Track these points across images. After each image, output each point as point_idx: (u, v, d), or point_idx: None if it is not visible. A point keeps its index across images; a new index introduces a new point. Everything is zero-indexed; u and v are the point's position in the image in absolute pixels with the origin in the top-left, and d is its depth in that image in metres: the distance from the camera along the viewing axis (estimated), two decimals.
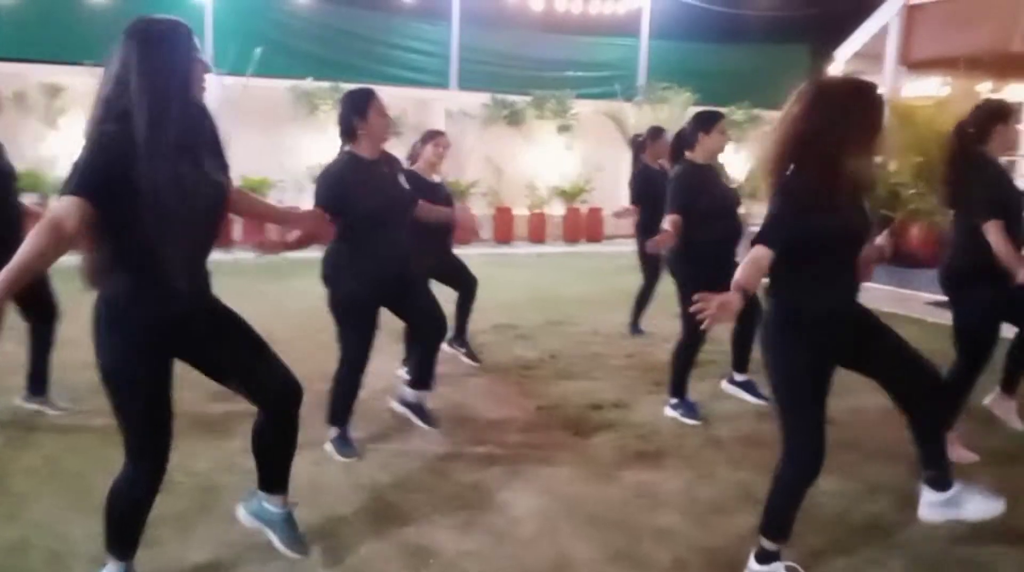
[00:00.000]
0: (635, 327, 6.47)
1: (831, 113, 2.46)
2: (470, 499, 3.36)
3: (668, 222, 4.34)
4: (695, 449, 4.02)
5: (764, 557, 2.69)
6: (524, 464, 3.75)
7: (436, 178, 5.14)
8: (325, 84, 11.78)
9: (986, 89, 12.17)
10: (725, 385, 4.88)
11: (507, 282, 9.04)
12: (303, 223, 3.04)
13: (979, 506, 2.81)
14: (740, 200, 4.62)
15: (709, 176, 4.45)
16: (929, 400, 2.76)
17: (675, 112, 12.36)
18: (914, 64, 9.83)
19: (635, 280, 6.53)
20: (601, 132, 13.22)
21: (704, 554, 2.94)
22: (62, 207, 2.03)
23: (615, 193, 14.12)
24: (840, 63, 10.43)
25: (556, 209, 13.48)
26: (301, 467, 3.58)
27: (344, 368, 3.74)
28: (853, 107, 2.47)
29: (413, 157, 5.17)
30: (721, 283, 4.34)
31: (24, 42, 10.81)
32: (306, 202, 11.64)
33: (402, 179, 3.89)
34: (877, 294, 8.59)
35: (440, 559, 2.87)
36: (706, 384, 4.88)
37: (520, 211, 13.21)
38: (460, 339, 5.46)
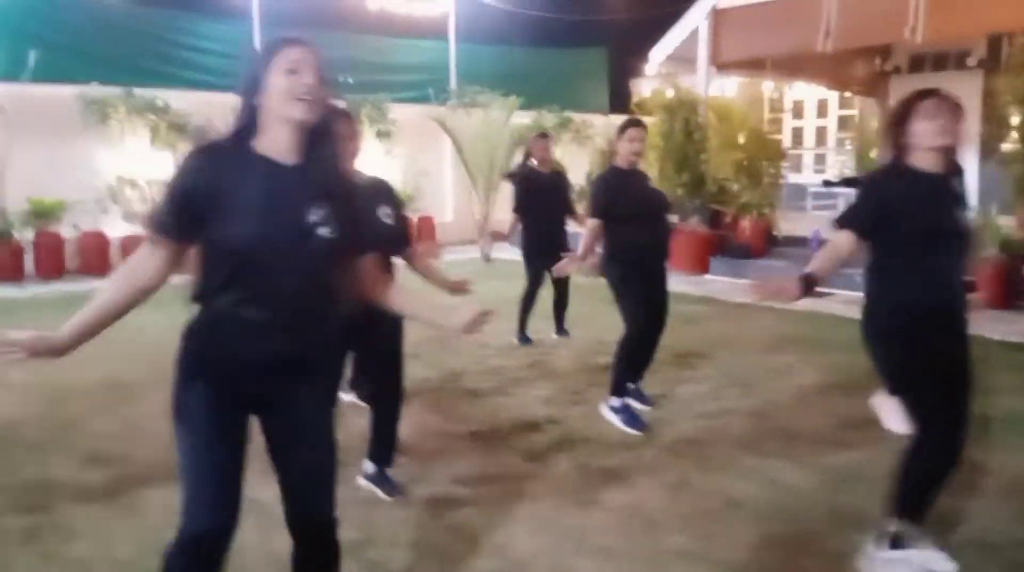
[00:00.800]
0: (523, 336, 6.30)
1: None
2: (462, 547, 3.01)
3: (587, 226, 4.43)
4: (655, 459, 3.90)
5: (896, 542, 2.67)
6: (497, 499, 3.43)
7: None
8: (116, 90, 10.52)
9: (769, 88, 13.33)
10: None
11: None
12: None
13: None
14: (667, 203, 4.67)
15: (630, 180, 4.46)
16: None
17: (499, 117, 12.34)
18: (723, 65, 10.44)
19: (489, 286, 6.37)
20: (420, 137, 12.92)
21: (727, 568, 2.82)
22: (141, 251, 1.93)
23: (441, 199, 13.94)
24: (654, 65, 10.87)
25: None
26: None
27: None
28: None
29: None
30: (650, 282, 4.33)
31: None
32: (110, 225, 10.45)
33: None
34: (718, 286, 9.05)
35: None
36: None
37: None
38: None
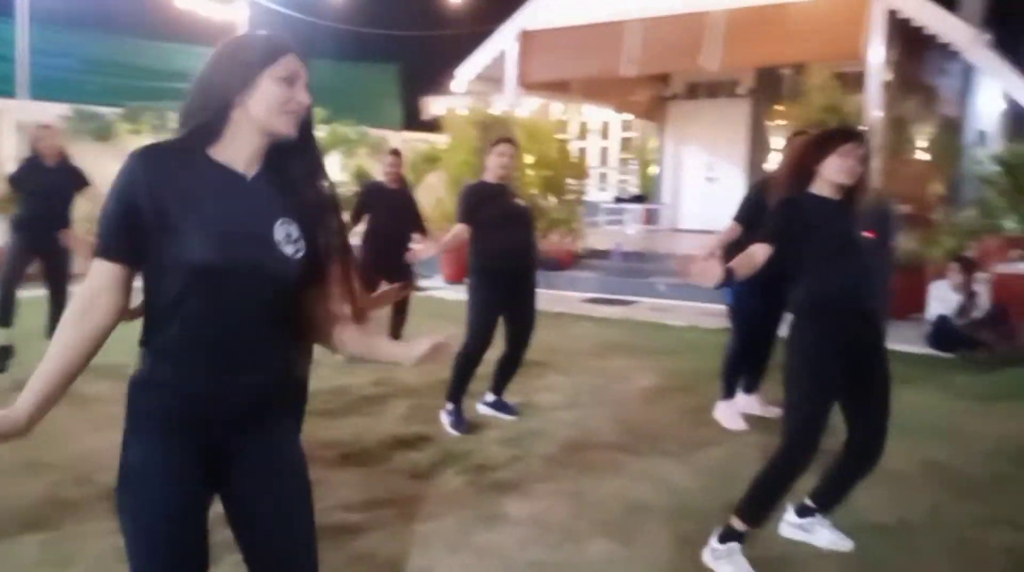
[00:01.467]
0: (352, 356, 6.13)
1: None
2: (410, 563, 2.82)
3: (452, 230, 4.58)
4: (542, 469, 3.90)
5: (729, 536, 2.81)
6: (398, 522, 3.26)
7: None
8: None
9: (559, 110, 13.96)
10: (480, 407, 4.82)
11: None
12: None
13: (830, 537, 3.03)
14: (531, 219, 4.73)
15: (496, 193, 4.55)
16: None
17: None
18: (530, 86, 10.79)
19: None
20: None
21: (660, 570, 2.88)
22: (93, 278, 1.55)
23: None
24: (462, 82, 11.00)
25: None
26: None
27: None
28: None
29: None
30: (512, 297, 4.39)
31: None
32: None
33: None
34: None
35: None
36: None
37: None
38: None
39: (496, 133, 9.76)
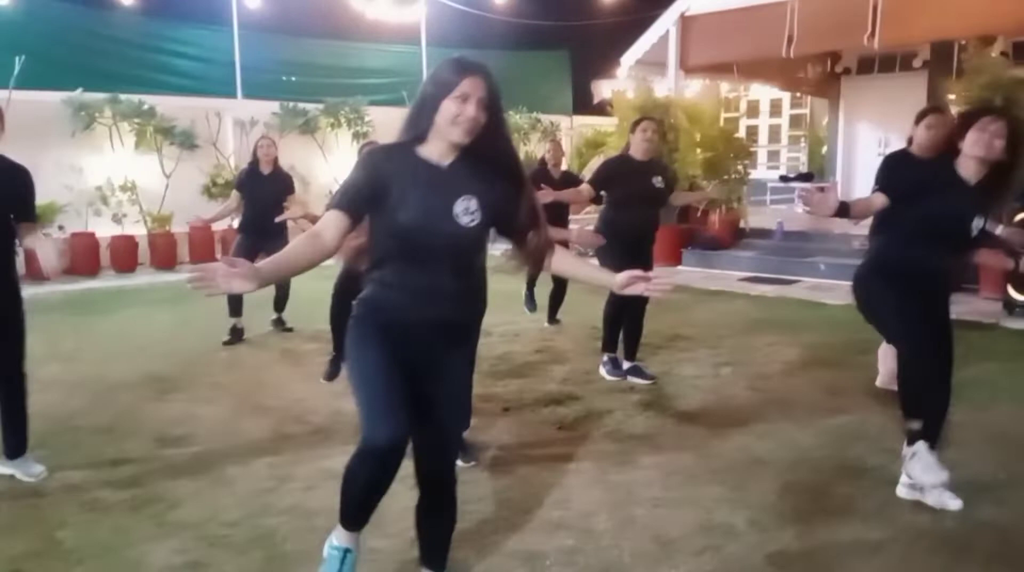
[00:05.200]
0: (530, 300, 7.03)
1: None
2: (530, 501, 3.43)
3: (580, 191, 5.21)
4: (675, 427, 4.39)
5: (911, 437, 3.29)
6: (544, 462, 3.88)
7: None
8: (101, 95, 10.68)
9: (727, 90, 13.97)
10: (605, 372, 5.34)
11: None
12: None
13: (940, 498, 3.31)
14: (663, 197, 5.15)
15: (637, 167, 5.04)
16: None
17: None
18: (690, 69, 11.04)
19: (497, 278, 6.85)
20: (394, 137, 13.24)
21: (767, 512, 3.29)
22: (323, 219, 2.23)
23: None
24: (625, 68, 11.41)
25: None
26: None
27: None
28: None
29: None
30: (633, 259, 4.76)
31: None
32: (100, 226, 10.60)
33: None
34: (692, 276, 9.62)
35: (553, 559, 2.95)
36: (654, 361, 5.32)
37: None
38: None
39: (658, 114, 10.18)
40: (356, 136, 13.11)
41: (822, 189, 3.08)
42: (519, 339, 6.53)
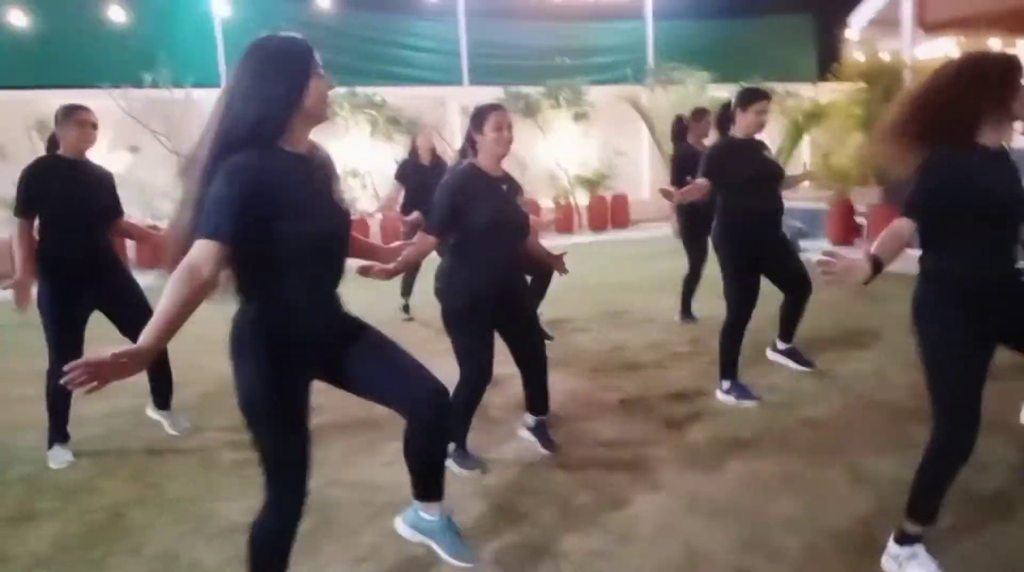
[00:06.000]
0: (686, 313, 6.46)
1: (971, 84, 2.43)
2: (584, 499, 3.36)
3: (696, 184, 4.46)
4: (792, 434, 4.01)
5: (905, 539, 2.66)
6: (627, 460, 3.75)
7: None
8: (341, 90, 11.75)
9: (996, 45, 12.14)
10: (769, 353, 5.00)
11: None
12: (392, 254, 2.91)
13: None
14: (782, 174, 4.67)
15: (745, 150, 4.52)
16: None
17: (691, 92, 12.31)
18: (930, 26, 9.77)
19: (672, 264, 6.56)
20: (617, 117, 13.18)
21: (832, 539, 2.94)
22: (199, 253, 1.95)
23: (637, 178, 14.18)
24: (855, 30, 10.37)
25: (580, 198, 13.47)
26: (403, 475, 3.63)
27: (464, 385, 3.61)
28: (991, 77, 2.45)
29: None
30: (763, 257, 4.33)
31: (40, 69, 10.78)
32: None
33: (522, 202, 3.68)
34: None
35: (570, 560, 2.87)
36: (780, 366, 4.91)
37: (545, 203, 13.20)
38: None
39: (886, 81, 9.15)
40: (576, 117, 13.22)
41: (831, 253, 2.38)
42: (679, 328, 6.29)
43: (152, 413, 4.38)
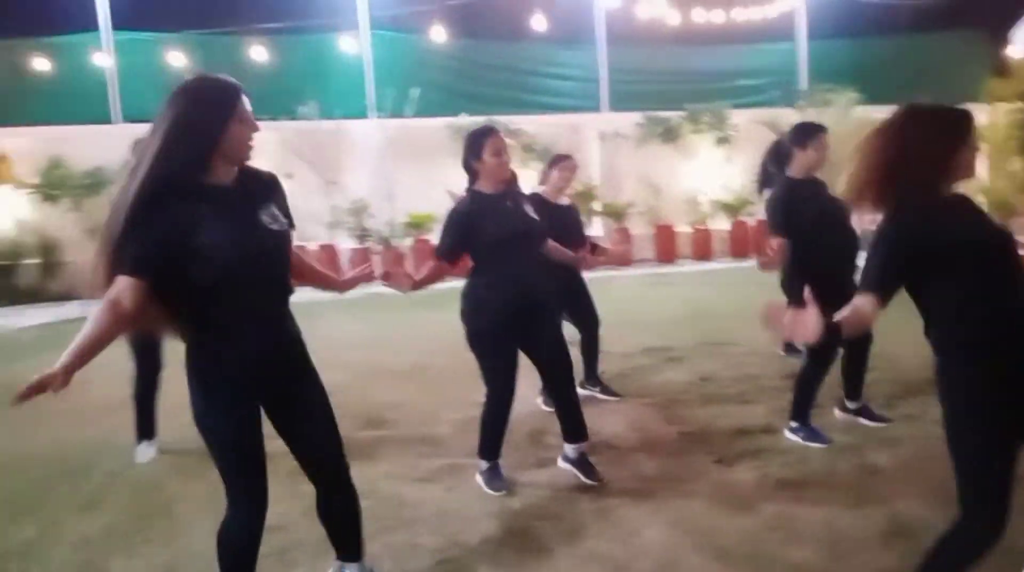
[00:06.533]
0: (791, 346, 6.14)
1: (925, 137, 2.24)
2: (597, 528, 3.31)
3: (773, 245, 4.09)
4: (845, 478, 3.74)
5: None
6: (658, 493, 3.65)
7: (564, 201, 5.17)
8: (480, 118, 12.13)
9: None
10: (837, 414, 4.57)
11: (663, 301, 8.92)
12: (348, 286, 2.89)
13: None
14: (849, 212, 4.29)
15: (809, 191, 4.14)
16: None
17: (838, 114, 11.69)
18: None
19: None
20: (762, 142, 12.71)
21: None
22: (120, 287, 2.08)
23: None
24: (1020, 46, 9.49)
25: (720, 224, 13.11)
26: (433, 492, 3.73)
27: (489, 403, 3.71)
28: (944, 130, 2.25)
29: (543, 181, 5.23)
30: (836, 301, 4.02)
31: None
32: None
33: (529, 209, 3.78)
34: None
35: None
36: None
37: (682, 228, 12.96)
38: (592, 379, 5.32)
39: None
40: (719, 142, 12.91)
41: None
42: (778, 362, 5.99)
43: None
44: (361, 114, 12.05)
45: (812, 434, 4.20)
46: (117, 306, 2.07)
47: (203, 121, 2.17)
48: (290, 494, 3.65)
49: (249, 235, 2.25)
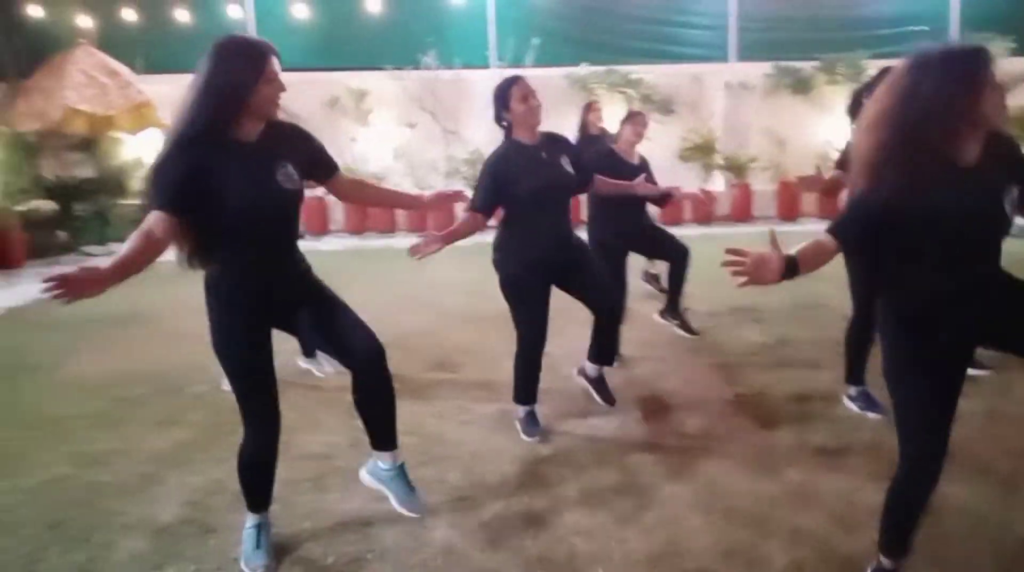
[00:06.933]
0: None
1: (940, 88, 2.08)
2: (616, 480, 3.40)
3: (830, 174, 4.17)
4: (887, 451, 3.58)
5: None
6: (691, 452, 3.67)
7: (635, 159, 5.15)
8: (600, 69, 12.01)
9: None
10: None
11: None
12: (433, 205, 3.17)
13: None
14: None
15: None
16: None
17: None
18: None
19: None
20: None
21: (832, 561, 2.72)
22: (152, 219, 2.33)
23: None
24: None
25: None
26: (473, 434, 3.92)
27: (521, 349, 3.86)
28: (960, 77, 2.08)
29: (616, 138, 5.23)
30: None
31: (333, 52, 12.39)
32: None
33: (565, 161, 3.78)
34: None
35: (551, 532, 2.97)
36: None
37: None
38: (673, 311, 5.49)
39: None
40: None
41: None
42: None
43: (302, 363, 5.02)
44: (482, 63, 12.16)
45: (869, 403, 4.06)
46: (149, 235, 2.30)
47: (233, 81, 2.35)
48: (344, 427, 3.96)
49: (261, 192, 2.46)
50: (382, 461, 2.88)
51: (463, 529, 3.03)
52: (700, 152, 11.94)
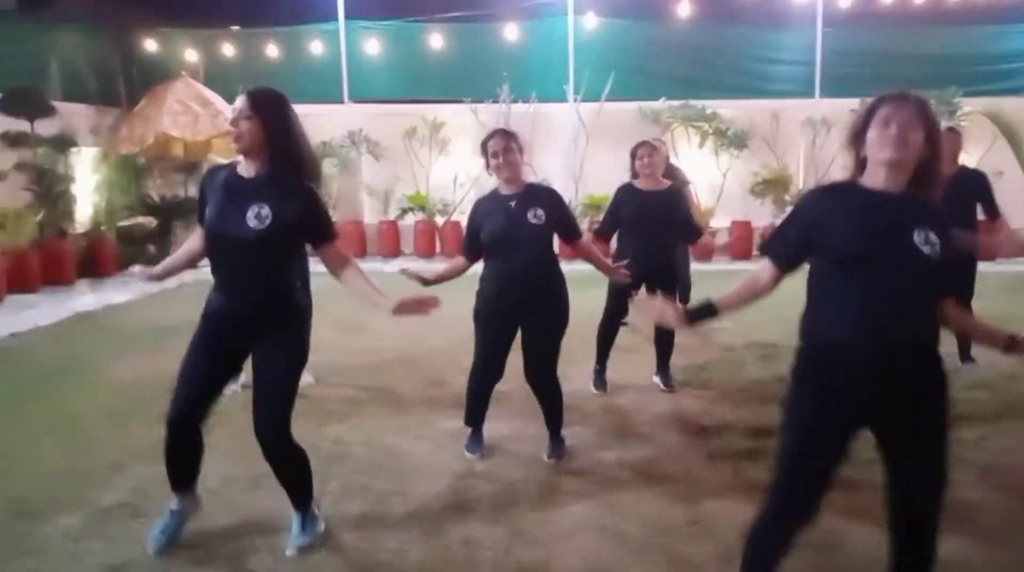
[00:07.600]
0: (965, 355, 5.65)
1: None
2: (532, 498, 3.51)
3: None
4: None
5: None
6: (621, 479, 3.73)
7: (661, 186, 5.19)
8: (675, 103, 12.01)
9: None
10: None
11: None
12: (399, 313, 2.89)
13: None
14: None
15: None
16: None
17: None
18: None
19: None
20: (994, 134, 11.26)
21: None
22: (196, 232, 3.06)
23: (1016, 201, 11.94)
24: None
25: None
26: (423, 449, 4.14)
27: (472, 373, 4.06)
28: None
29: (633, 173, 5.27)
30: None
31: (414, 86, 12.95)
32: None
33: (534, 213, 3.80)
34: None
35: (440, 539, 3.13)
36: None
37: None
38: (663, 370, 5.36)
39: None
40: (949, 131, 11.59)
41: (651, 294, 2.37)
42: None
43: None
44: (560, 97, 12.38)
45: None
46: (193, 243, 3.06)
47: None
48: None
49: (223, 225, 2.78)
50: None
51: (366, 529, 3.20)
52: (772, 187, 11.73)
